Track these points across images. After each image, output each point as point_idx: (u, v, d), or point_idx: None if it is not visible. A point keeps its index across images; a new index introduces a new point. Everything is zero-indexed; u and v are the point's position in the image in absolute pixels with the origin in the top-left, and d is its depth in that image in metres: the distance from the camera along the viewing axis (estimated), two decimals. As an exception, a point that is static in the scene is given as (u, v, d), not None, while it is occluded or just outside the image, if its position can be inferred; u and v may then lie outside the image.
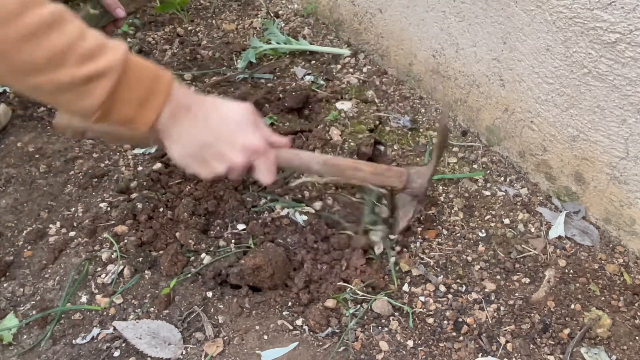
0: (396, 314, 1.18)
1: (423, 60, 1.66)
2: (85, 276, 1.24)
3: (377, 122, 1.60)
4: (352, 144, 1.48)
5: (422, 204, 1.26)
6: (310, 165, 1.09)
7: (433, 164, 1.18)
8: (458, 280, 1.24)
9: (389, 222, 1.28)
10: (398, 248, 1.27)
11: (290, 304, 1.18)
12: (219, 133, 0.91)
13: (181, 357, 1.10)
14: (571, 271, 1.26)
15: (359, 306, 1.18)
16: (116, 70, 0.78)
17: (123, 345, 1.12)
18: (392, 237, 1.27)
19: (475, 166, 1.51)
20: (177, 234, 1.29)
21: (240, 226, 1.30)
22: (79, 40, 0.75)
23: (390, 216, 1.28)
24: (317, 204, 1.31)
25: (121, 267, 1.25)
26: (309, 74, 1.80)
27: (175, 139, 0.90)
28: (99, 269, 1.25)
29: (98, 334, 1.14)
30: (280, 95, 1.67)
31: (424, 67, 1.67)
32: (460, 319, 1.17)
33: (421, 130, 1.62)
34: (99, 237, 1.31)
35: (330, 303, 1.17)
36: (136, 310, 1.18)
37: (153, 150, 1.51)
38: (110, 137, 1.14)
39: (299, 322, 1.16)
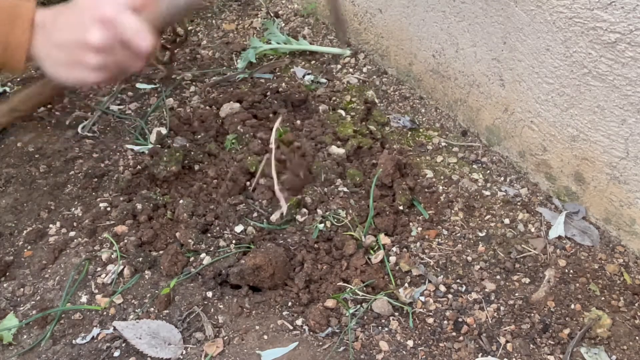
0: (396, 314, 1.18)
1: (423, 60, 1.66)
2: (85, 276, 1.24)
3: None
4: (351, 143, 1.48)
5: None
6: (178, 3, 1.02)
7: None
8: (458, 280, 1.24)
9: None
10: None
11: (290, 304, 1.19)
12: (68, 25, 0.88)
13: (181, 357, 1.10)
14: (571, 271, 1.26)
15: (359, 306, 1.18)
16: None
17: (123, 345, 1.12)
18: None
19: (475, 166, 1.51)
20: (177, 234, 1.29)
21: (240, 227, 1.29)
22: None
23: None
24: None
25: (121, 267, 1.25)
26: (309, 74, 1.80)
27: (43, 57, 0.89)
28: (99, 269, 1.26)
29: (98, 334, 1.14)
30: (277, 96, 1.67)
31: (424, 67, 1.67)
32: (460, 319, 1.17)
33: (421, 130, 1.62)
34: (99, 237, 1.31)
35: (330, 303, 1.17)
36: (136, 310, 1.18)
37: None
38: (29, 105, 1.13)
39: (299, 322, 1.16)
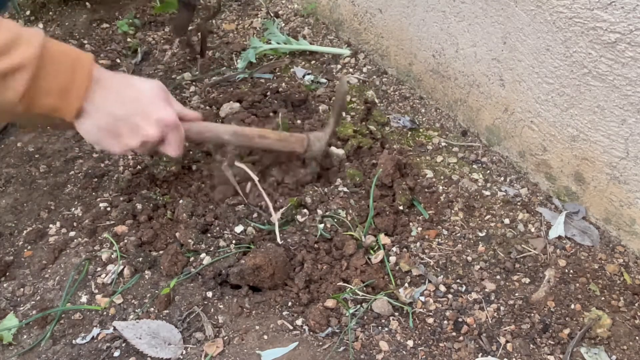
0: (396, 314, 1.18)
1: (423, 60, 1.66)
2: (85, 276, 1.24)
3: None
4: (353, 142, 1.48)
5: (319, 163, 1.37)
6: (221, 136, 1.17)
7: (330, 129, 1.28)
8: (458, 280, 1.24)
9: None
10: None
11: (290, 304, 1.19)
12: (133, 107, 0.93)
13: (181, 357, 1.10)
14: (571, 271, 1.26)
15: (359, 306, 1.18)
16: (31, 64, 0.81)
17: (123, 345, 1.12)
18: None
19: (475, 166, 1.51)
20: (177, 234, 1.29)
21: (240, 227, 1.29)
22: None
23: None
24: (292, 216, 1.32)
25: (121, 267, 1.25)
26: (309, 74, 1.80)
27: (88, 115, 0.91)
28: (99, 269, 1.26)
29: (98, 334, 1.14)
30: (277, 96, 1.67)
31: (424, 67, 1.67)
32: (460, 319, 1.17)
33: (421, 130, 1.62)
34: (99, 237, 1.31)
35: (330, 303, 1.17)
36: (136, 310, 1.18)
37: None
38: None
39: (299, 322, 1.16)
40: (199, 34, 1.77)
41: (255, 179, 1.28)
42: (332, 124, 1.29)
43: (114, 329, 1.14)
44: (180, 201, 1.34)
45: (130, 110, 0.93)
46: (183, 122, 1.05)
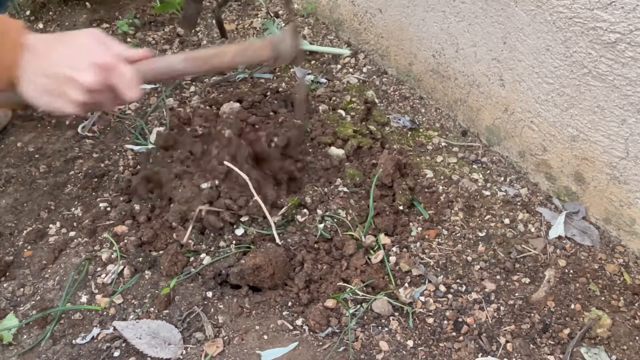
0: (396, 314, 1.18)
1: (423, 60, 1.66)
2: (85, 276, 1.24)
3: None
4: (353, 142, 1.48)
5: (301, 65, 1.24)
6: (174, 66, 1.06)
7: (292, 26, 1.14)
8: (458, 280, 1.24)
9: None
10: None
11: (290, 304, 1.19)
12: (63, 59, 0.90)
13: (181, 357, 1.10)
14: (571, 271, 1.26)
15: (359, 306, 1.18)
16: None
17: (123, 345, 1.12)
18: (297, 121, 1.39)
19: (475, 166, 1.51)
20: (175, 235, 1.29)
21: (239, 231, 1.29)
22: None
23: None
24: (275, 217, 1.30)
25: (121, 267, 1.25)
26: (309, 74, 1.80)
27: (25, 81, 0.90)
28: (99, 269, 1.26)
29: (98, 334, 1.14)
30: (277, 96, 1.67)
31: (424, 67, 1.67)
32: (460, 319, 1.17)
33: (421, 130, 1.62)
34: (99, 237, 1.31)
35: (330, 303, 1.17)
36: (136, 310, 1.18)
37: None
38: None
39: (299, 322, 1.16)
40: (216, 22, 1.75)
41: (246, 178, 1.26)
42: (292, 19, 1.15)
43: (114, 329, 1.14)
44: (172, 206, 1.31)
45: (58, 64, 0.90)
46: (133, 63, 0.99)
